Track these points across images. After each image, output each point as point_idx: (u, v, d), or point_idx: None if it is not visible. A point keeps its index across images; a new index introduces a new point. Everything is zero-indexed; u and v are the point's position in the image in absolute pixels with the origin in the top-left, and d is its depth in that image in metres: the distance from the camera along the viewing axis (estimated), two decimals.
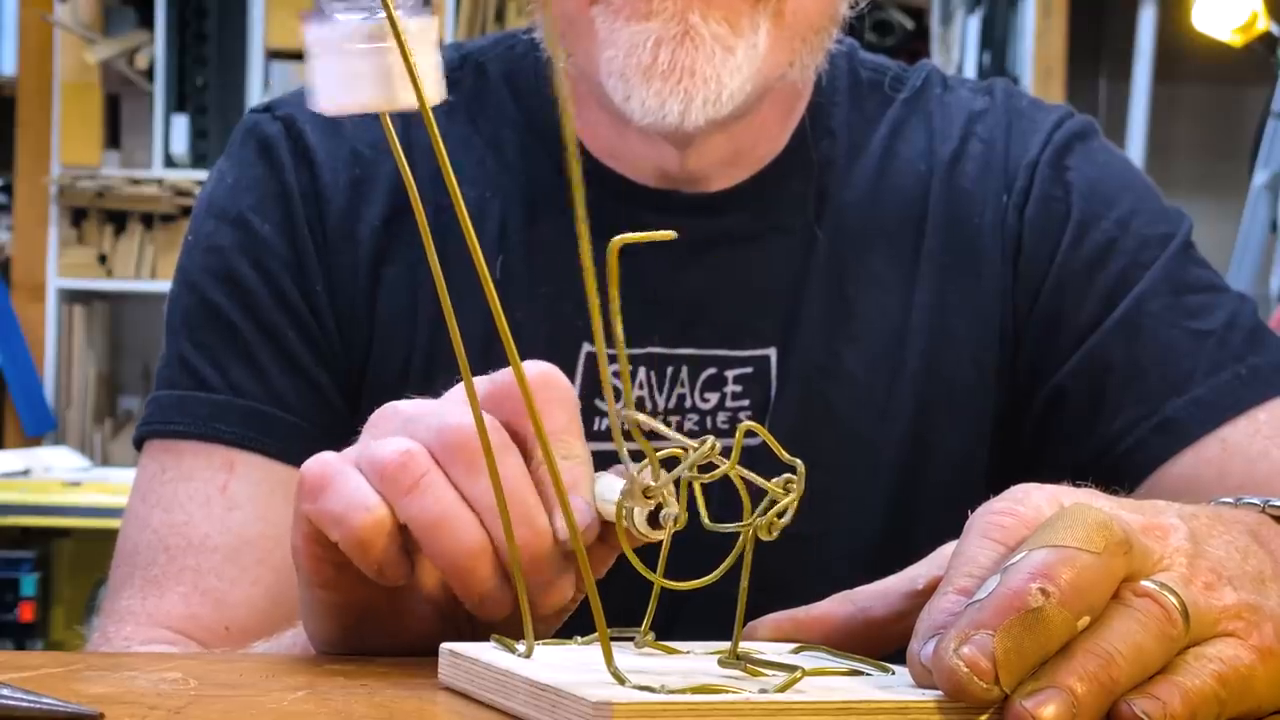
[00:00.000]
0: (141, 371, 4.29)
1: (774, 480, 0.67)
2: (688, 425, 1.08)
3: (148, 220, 4.10)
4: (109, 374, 4.25)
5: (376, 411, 0.78)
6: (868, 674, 0.67)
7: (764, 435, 0.68)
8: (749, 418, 1.09)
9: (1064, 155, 1.15)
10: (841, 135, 1.15)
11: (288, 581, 1.06)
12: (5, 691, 0.62)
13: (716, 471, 0.67)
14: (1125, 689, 0.62)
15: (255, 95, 4.02)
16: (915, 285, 1.12)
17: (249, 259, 1.10)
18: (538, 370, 0.76)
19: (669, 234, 0.64)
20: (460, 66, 1.16)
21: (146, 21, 4.06)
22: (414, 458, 0.73)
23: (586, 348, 1.09)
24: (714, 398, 1.09)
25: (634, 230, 1.10)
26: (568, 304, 1.10)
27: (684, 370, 1.09)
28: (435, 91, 0.65)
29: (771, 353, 1.10)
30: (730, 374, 1.09)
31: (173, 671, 0.73)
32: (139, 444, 1.12)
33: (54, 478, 3.72)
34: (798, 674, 0.63)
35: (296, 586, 1.04)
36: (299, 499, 0.76)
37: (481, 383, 0.76)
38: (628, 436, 0.65)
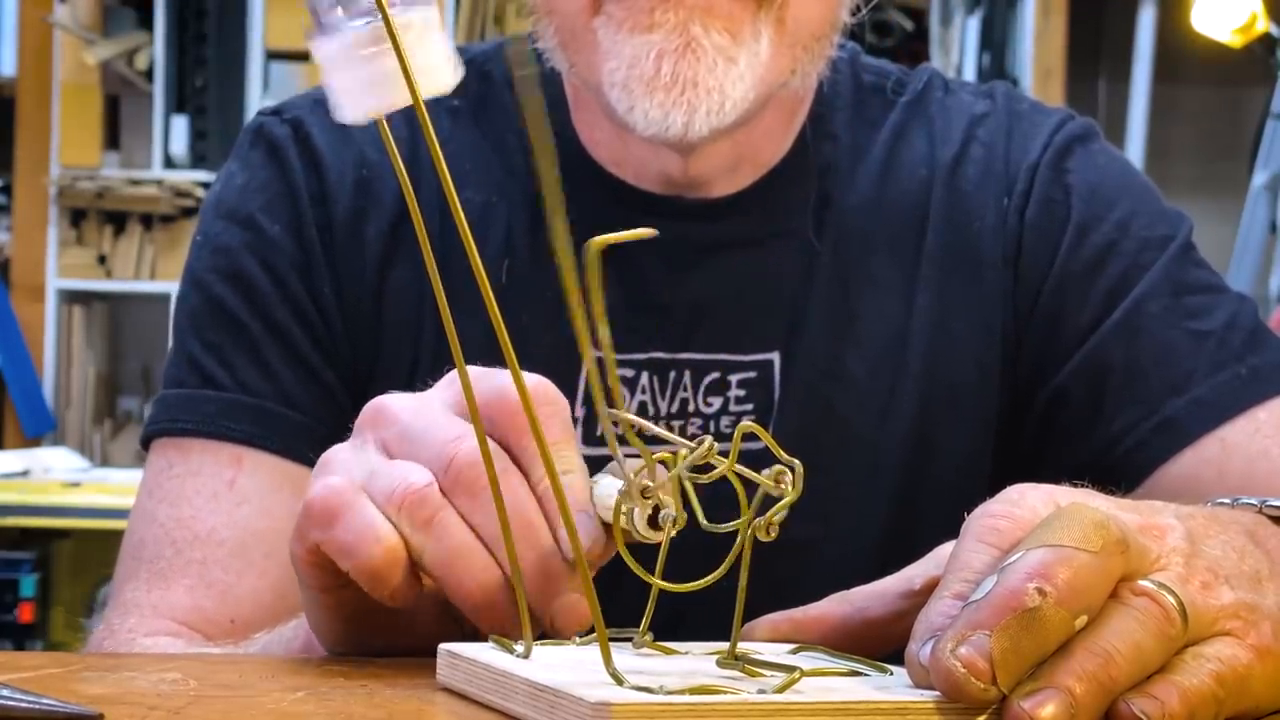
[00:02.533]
0: (141, 372, 4.29)
1: (766, 472, 0.67)
2: (690, 430, 1.09)
3: (147, 221, 4.10)
4: (108, 375, 4.25)
5: (367, 407, 0.78)
6: (866, 674, 0.67)
7: (763, 436, 0.68)
8: (752, 422, 1.09)
9: (1064, 158, 1.15)
10: (844, 139, 1.15)
11: (293, 576, 1.06)
12: (5, 692, 0.62)
13: (714, 472, 0.67)
14: (1124, 688, 0.62)
15: (255, 96, 4.02)
16: (917, 288, 1.12)
17: (257, 259, 1.10)
18: (531, 383, 0.75)
19: (649, 231, 0.65)
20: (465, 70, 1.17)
21: (146, 22, 4.07)
22: (428, 494, 0.73)
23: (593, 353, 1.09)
24: (717, 402, 1.09)
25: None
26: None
27: (686, 375, 1.09)
28: (450, 77, 0.66)
29: (775, 357, 1.10)
30: (734, 378, 1.10)
31: (173, 672, 0.73)
32: (146, 443, 1.12)
33: (53, 478, 3.72)
34: (796, 674, 0.63)
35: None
36: (307, 526, 0.76)
37: (484, 393, 0.76)
38: (624, 440, 0.65)
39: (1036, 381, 1.13)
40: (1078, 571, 0.62)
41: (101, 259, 4.09)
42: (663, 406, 1.09)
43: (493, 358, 1.07)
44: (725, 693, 0.61)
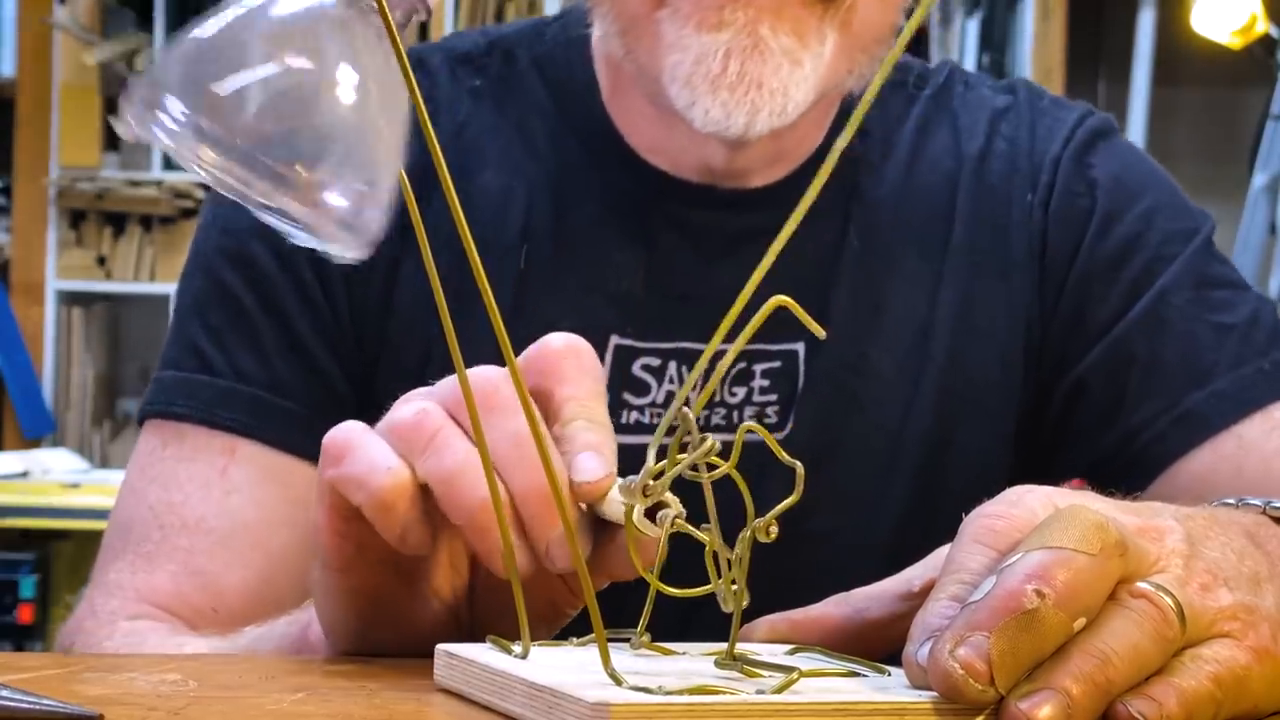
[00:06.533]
0: (140, 373, 4.29)
1: (759, 521, 0.67)
2: (714, 420, 1.09)
3: (146, 222, 4.10)
4: (108, 376, 4.25)
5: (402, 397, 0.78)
6: (864, 675, 0.67)
7: (764, 435, 0.68)
8: (776, 412, 1.09)
9: (1087, 152, 1.15)
10: (873, 133, 1.16)
11: (279, 568, 1.06)
12: (5, 693, 0.62)
13: (715, 473, 0.67)
14: (1121, 690, 0.62)
15: None
16: (942, 281, 1.13)
17: (266, 242, 1.10)
18: (564, 340, 0.76)
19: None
20: (488, 52, 1.16)
21: (145, 23, 4.07)
22: (428, 414, 0.73)
23: (615, 340, 1.08)
24: (741, 392, 1.09)
25: (672, 225, 1.10)
26: (596, 295, 1.09)
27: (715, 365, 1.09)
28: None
29: (800, 347, 1.10)
30: (758, 368, 1.09)
31: (172, 673, 0.73)
32: (140, 422, 1.12)
33: (53, 480, 3.72)
34: (795, 675, 0.63)
35: (291, 574, 1.05)
36: (321, 467, 0.76)
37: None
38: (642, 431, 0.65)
39: (1059, 373, 1.13)
40: (1076, 573, 0.62)
41: (101, 260, 4.10)
42: (690, 396, 1.08)
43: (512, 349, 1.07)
44: (724, 693, 0.61)
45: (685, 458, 0.66)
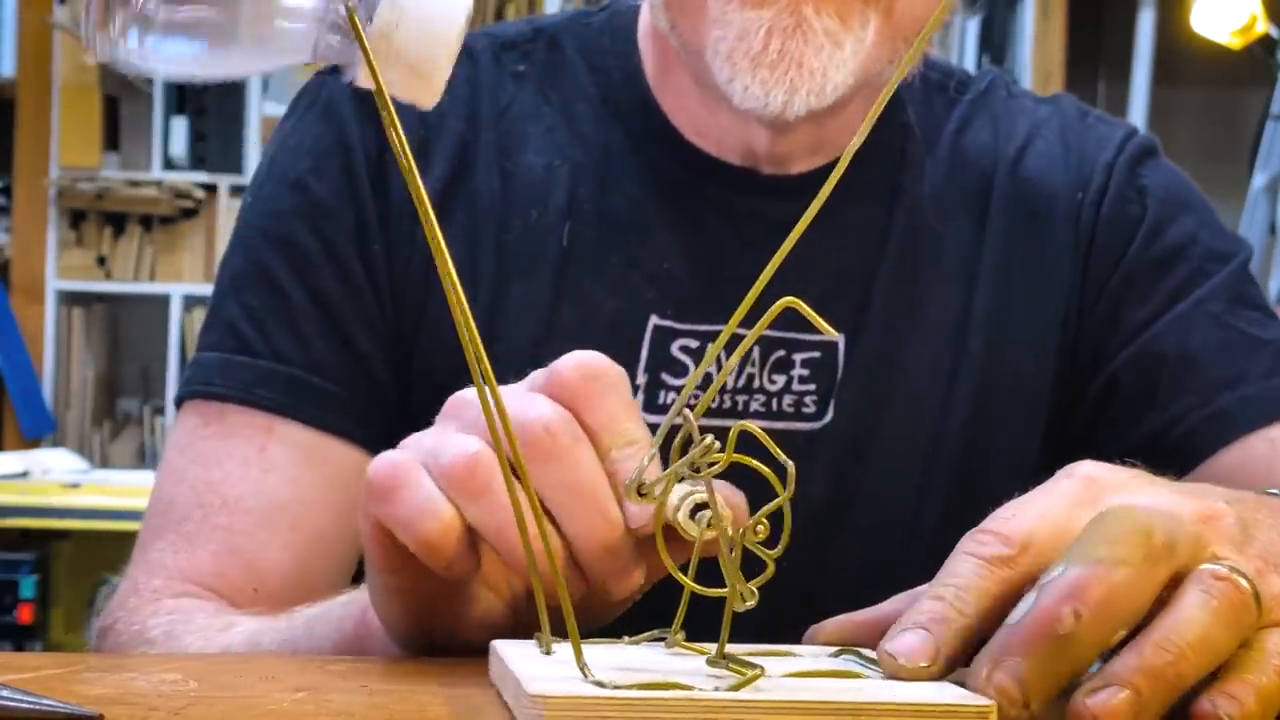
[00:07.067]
0: (140, 373, 4.29)
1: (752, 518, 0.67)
2: (754, 406, 1.09)
3: (147, 222, 4.10)
4: (107, 376, 4.26)
5: (450, 400, 0.77)
6: (870, 676, 0.67)
7: (759, 434, 0.68)
8: (814, 402, 1.10)
9: (1139, 163, 1.18)
10: (916, 131, 1.17)
11: (315, 549, 1.06)
12: (5, 693, 0.62)
13: (714, 469, 0.67)
14: (1192, 681, 0.62)
15: (254, 97, 4.02)
16: (979, 275, 1.14)
17: (306, 224, 1.10)
18: (581, 360, 0.75)
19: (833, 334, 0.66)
20: (533, 38, 1.17)
21: None
22: (481, 460, 0.72)
23: (654, 320, 1.09)
24: (781, 380, 1.10)
25: (715, 208, 1.11)
26: (637, 275, 1.10)
27: (755, 351, 1.09)
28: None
29: (840, 339, 1.11)
30: (798, 358, 1.10)
31: (173, 673, 0.73)
32: (179, 403, 1.12)
33: (53, 480, 3.72)
34: (757, 672, 0.63)
35: (327, 555, 1.06)
36: (367, 500, 0.75)
37: (539, 376, 0.75)
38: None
39: (1091, 371, 1.15)
40: (1112, 589, 0.62)
41: (101, 260, 4.10)
42: (730, 380, 1.09)
43: (551, 326, 1.06)
44: (677, 688, 0.61)
45: (685, 459, 0.66)
